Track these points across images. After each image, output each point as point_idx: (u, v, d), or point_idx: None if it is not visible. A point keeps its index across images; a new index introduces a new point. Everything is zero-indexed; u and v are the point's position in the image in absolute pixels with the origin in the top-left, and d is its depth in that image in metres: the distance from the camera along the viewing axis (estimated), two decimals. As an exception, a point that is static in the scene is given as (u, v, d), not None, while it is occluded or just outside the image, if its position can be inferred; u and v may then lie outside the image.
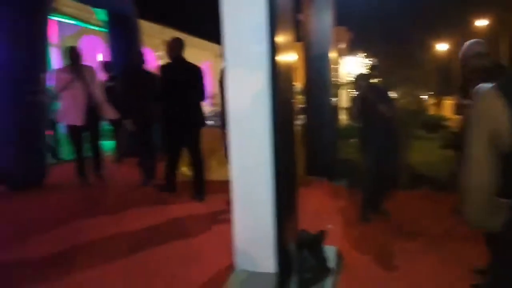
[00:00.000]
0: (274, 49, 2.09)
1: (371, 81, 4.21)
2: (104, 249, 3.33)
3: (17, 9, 5.08)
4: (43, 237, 3.63)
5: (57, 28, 9.12)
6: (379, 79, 4.57)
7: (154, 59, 11.82)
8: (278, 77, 2.17)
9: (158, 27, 12.94)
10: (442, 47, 23.39)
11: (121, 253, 3.22)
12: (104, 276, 2.85)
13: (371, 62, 9.40)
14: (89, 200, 4.88)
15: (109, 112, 5.41)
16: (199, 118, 4.68)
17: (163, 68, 4.82)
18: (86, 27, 9.41)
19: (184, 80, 4.50)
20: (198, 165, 4.66)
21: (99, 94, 5.27)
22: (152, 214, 4.19)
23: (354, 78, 4.56)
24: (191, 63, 4.68)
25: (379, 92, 3.94)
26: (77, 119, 5.03)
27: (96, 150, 5.53)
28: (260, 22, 2.20)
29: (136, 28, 7.97)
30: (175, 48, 4.61)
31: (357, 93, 4.18)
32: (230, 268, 2.64)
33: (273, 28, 2.10)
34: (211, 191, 4.63)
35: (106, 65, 7.04)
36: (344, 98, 9.21)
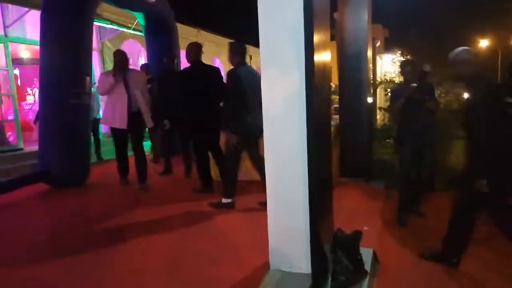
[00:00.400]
0: (311, 48, 2.08)
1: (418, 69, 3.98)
2: (141, 246, 3.44)
3: (64, 14, 5.34)
4: (83, 231, 3.82)
5: (97, 33, 9.47)
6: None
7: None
8: (315, 77, 2.16)
9: (194, 30, 13.17)
10: (484, 43, 22.39)
11: (157, 251, 3.32)
12: (141, 272, 2.95)
13: (408, 58, 9.11)
14: (129, 199, 5.04)
15: (147, 120, 5.27)
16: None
17: (183, 73, 5.05)
18: (126, 32, 9.71)
19: (204, 83, 4.63)
20: (220, 164, 4.91)
21: (141, 100, 5.12)
22: (188, 214, 4.28)
23: (400, 64, 4.40)
24: (210, 66, 5.10)
25: (425, 88, 3.80)
26: (120, 123, 4.99)
27: (139, 157, 5.31)
28: (297, 22, 2.21)
29: (173, 31, 8.16)
30: (193, 52, 4.75)
31: (404, 82, 3.97)
32: (264, 268, 2.66)
33: (310, 27, 2.10)
34: (246, 191, 4.68)
35: (145, 68, 7.26)
36: (380, 98, 9.00)
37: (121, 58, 5.15)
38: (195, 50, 4.77)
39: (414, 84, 3.69)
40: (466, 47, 3.22)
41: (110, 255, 3.27)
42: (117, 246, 3.44)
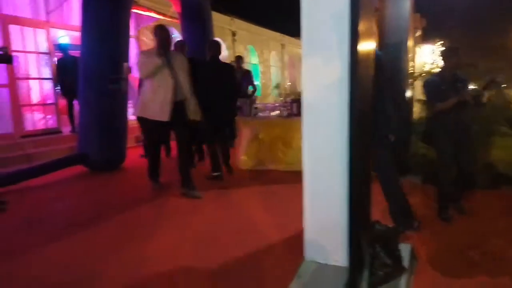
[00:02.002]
0: (356, 36, 2.01)
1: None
2: (174, 231, 3.50)
3: (104, 1, 5.44)
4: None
5: (134, 20, 9.61)
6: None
7: (224, 49, 12.05)
8: (359, 67, 2.09)
9: (228, 17, 13.16)
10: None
11: (191, 233, 3.37)
12: (173, 256, 3.00)
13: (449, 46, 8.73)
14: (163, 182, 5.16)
15: (194, 112, 4.47)
16: (234, 110, 5.46)
17: (201, 67, 5.14)
18: (162, 19, 9.80)
19: (219, 78, 5.03)
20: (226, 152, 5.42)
21: (187, 87, 4.36)
22: (222, 202, 4.33)
23: (441, 52, 4.22)
24: (224, 63, 5.52)
25: (459, 79, 3.63)
26: (161, 114, 4.17)
27: (184, 157, 4.51)
28: (341, 9, 2.14)
29: (209, 19, 8.17)
30: (211, 49, 5.12)
31: (441, 71, 3.81)
32: (298, 258, 2.64)
33: (356, 14, 2.02)
34: (280, 181, 4.68)
35: (180, 47, 7.29)
36: (419, 90, 8.71)
37: (166, 36, 4.28)
38: (214, 46, 5.14)
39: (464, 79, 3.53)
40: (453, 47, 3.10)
41: (144, 237, 3.36)
42: (150, 229, 3.53)
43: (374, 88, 3.76)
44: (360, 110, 2.20)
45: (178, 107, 4.29)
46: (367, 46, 2.29)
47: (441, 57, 3.90)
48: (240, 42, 12.92)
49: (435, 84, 3.68)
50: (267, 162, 5.67)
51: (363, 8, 2.10)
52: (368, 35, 2.31)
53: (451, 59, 3.65)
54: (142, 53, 4.57)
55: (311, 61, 2.38)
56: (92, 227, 3.63)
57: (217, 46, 5.16)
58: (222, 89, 4.97)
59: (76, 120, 7.14)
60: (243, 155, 5.83)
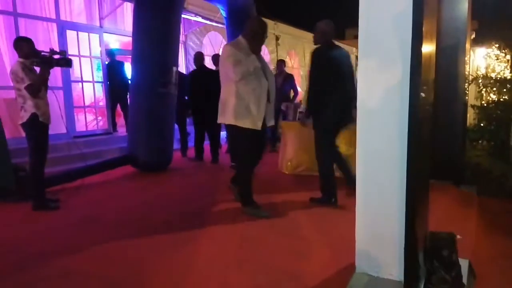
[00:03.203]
0: (419, 38, 1.90)
1: None
2: (221, 235, 3.50)
3: (155, 7, 5.60)
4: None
5: (182, 25, 9.81)
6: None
7: (267, 54, 12.05)
8: (421, 70, 1.98)
9: (271, 22, 13.14)
10: None
11: (235, 239, 3.35)
12: (219, 261, 2.98)
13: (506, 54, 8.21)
14: (209, 185, 5.20)
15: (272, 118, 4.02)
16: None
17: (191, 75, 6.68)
18: (209, 24, 9.96)
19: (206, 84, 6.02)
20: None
21: (274, 90, 3.97)
22: (266, 204, 4.29)
23: None
24: (210, 69, 6.64)
25: None
26: (260, 120, 3.74)
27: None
28: (404, 8, 2.03)
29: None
30: (198, 59, 6.62)
31: None
32: (349, 269, 2.54)
33: (420, 14, 1.91)
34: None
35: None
36: (472, 95, 8.25)
37: (264, 31, 3.81)
38: (200, 57, 6.63)
39: None
40: None
41: (188, 239, 3.36)
42: (196, 232, 3.52)
43: (327, 81, 3.93)
44: (421, 116, 2.08)
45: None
46: (429, 48, 2.17)
47: None
48: (283, 46, 12.91)
49: None
50: (310, 167, 5.56)
51: (427, 7, 1.99)
52: (431, 37, 2.19)
53: None
54: (233, 47, 3.73)
55: (368, 64, 2.29)
56: (143, 226, 3.70)
57: (201, 56, 6.72)
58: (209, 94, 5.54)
59: (119, 122, 7.48)
60: (286, 160, 5.77)
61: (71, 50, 7.13)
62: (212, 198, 4.61)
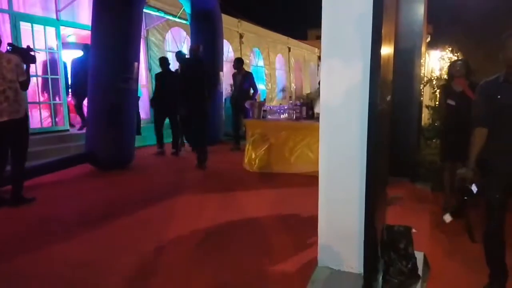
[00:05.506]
0: (379, 39, 1.98)
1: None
2: (186, 231, 3.47)
3: (114, 1, 5.44)
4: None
5: (143, 20, 9.57)
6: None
7: (231, 51, 12.02)
8: (380, 70, 2.05)
9: (235, 19, 13.13)
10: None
11: (199, 236, 3.34)
12: (186, 256, 2.96)
13: (458, 58, 8.66)
14: (171, 182, 5.13)
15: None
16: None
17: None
18: (171, 19, 9.78)
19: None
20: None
21: None
22: (231, 202, 4.30)
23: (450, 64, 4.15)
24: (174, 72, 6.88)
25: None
26: None
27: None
28: (365, 11, 2.10)
29: (218, 20, 8.16)
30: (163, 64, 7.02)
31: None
32: (311, 263, 2.60)
33: (379, 16, 1.99)
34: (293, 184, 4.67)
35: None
36: (427, 96, 8.65)
37: None
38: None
39: None
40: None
41: (149, 239, 3.32)
42: (157, 231, 3.49)
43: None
44: (380, 114, 2.16)
45: None
46: (388, 49, 2.26)
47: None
48: (247, 44, 12.94)
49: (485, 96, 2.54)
50: (274, 165, 5.64)
51: (386, 10, 2.07)
52: (389, 38, 2.28)
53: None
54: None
55: (330, 63, 2.35)
56: (103, 226, 3.61)
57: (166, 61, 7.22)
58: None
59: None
60: (251, 158, 5.81)
61: (25, 43, 6.77)
62: (173, 196, 4.56)
